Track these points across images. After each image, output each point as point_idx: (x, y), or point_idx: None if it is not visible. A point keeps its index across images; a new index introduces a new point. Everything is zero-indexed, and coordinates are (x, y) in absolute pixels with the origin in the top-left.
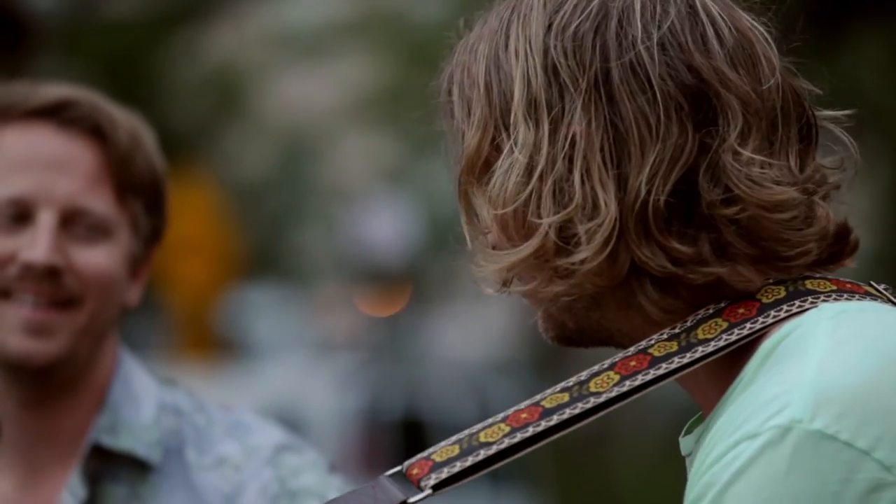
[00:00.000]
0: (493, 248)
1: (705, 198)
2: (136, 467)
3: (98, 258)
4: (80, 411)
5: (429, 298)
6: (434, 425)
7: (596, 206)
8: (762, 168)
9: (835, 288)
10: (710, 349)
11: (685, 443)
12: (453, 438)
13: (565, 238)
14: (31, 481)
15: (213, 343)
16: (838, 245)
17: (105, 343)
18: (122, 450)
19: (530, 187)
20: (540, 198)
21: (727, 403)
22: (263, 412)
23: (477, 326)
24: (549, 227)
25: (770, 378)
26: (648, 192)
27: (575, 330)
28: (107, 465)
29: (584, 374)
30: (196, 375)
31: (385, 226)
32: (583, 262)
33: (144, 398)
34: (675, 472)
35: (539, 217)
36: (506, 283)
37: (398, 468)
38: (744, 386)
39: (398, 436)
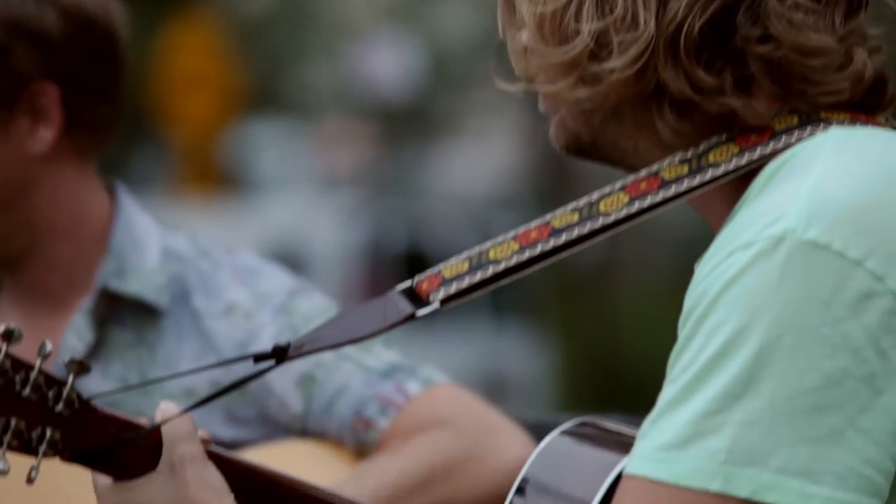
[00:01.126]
0: (525, 48)
1: (741, 33)
2: (143, 312)
3: None
4: (83, 254)
5: (432, 134)
6: (436, 260)
7: (635, 20)
8: (805, 14)
9: (849, 118)
10: (720, 172)
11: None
12: (463, 255)
13: (599, 46)
14: (39, 324)
15: (216, 178)
16: (873, 94)
17: (82, 188)
18: (131, 294)
19: None
20: (582, 3)
21: (731, 220)
22: (266, 247)
23: (480, 161)
24: (587, 33)
25: (771, 193)
26: (685, 17)
27: (589, 142)
28: (113, 310)
29: (594, 195)
30: (199, 211)
31: (389, 61)
32: (612, 71)
33: (148, 242)
34: (677, 307)
35: (577, 21)
36: (530, 82)
37: (408, 282)
38: (747, 203)
39: (401, 270)
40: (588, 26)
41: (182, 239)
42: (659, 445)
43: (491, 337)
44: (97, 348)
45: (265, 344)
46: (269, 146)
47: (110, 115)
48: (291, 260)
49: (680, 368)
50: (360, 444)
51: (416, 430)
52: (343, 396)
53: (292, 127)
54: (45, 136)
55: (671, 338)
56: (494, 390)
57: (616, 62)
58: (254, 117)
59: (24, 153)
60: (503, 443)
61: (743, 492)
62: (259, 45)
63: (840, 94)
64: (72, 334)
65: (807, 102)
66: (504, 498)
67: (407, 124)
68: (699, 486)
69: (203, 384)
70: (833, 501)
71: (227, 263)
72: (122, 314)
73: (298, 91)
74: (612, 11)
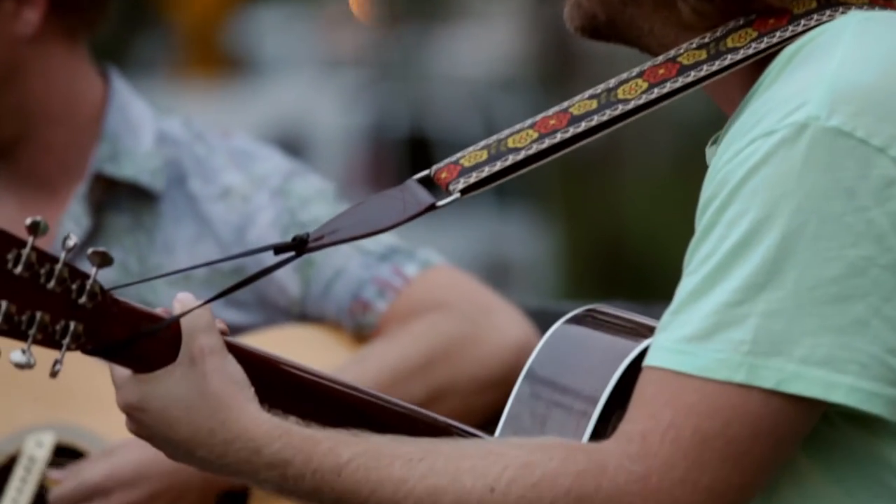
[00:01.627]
0: None
1: None
2: (139, 197)
3: None
4: (77, 140)
5: (436, 16)
6: (439, 143)
7: None
8: None
9: (867, 1)
10: (738, 57)
11: (710, 152)
12: (481, 144)
13: None
14: (34, 212)
15: (220, 61)
16: None
17: (74, 71)
18: (125, 178)
19: None
20: None
21: (747, 105)
22: (268, 131)
23: (483, 44)
24: None
25: (791, 78)
26: None
27: (605, 22)
28: (109, 195)
29: (612, 82)
30: (201, 95)
31: None
32: None
33: (142, 126)
34: (681, 190)
35: None
36: None
37: (426, 172)
38: (765, 87)
39: (403, 153)
40: None
41: (176, 123)
42: (681, 337)
43: (494, 222)
44: (94, 234)
45: (262, 227)
46: (272, 29)
47: None
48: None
49: (700, 259)
50: (358, 327)
51: (414, 314)
52: (341, 280)
53: (295, 9)
54: (31, 17)
55: (674, 221)
56: (497, 275)
57: None
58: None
59: (10, 36)
60: (500, 323)
61: (767, 383)
62: None
63: None
64: (69, 221)
65: None
66: (503, 378)
67: (410, 6)
68: (723, 378)
69: (199, 271)
70: (856, 391)
71: (221, 147)
72: (119, 199)
73: None
74: None
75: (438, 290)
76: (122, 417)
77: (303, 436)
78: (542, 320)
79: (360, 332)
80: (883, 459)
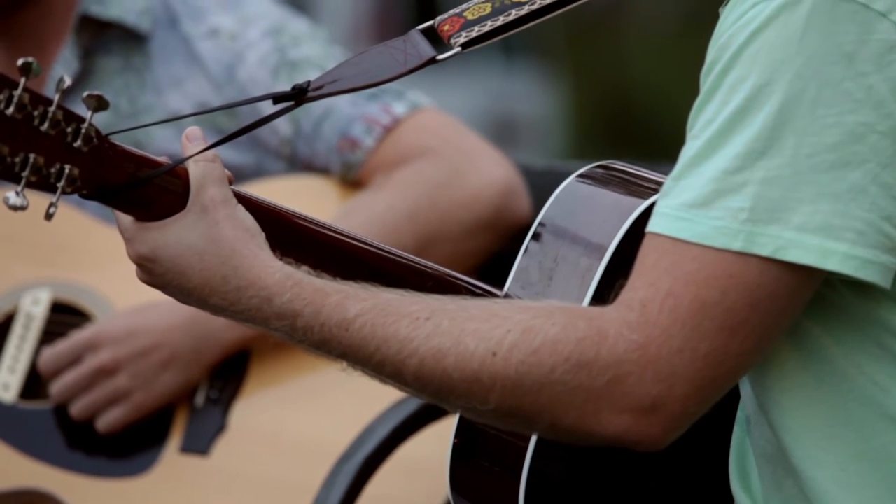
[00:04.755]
0: None
1: None
2: (128, 39)
3: None
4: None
5: None
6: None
7: None
8: None
9: None
10: None
11: (722, 12)
12: None
13: None
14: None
15: None
16: None
17: None
18: (111, 18)
19: None
20: None
21: None
22: None
23: None
24: None
25: None
26: None
27: None
28: (98, 38)
29: None
30: None
31: None
32: None
33: None
34: (688, 46)
35: None
36: None
37: (430, 23)
38: None
39: (409, 9)
40: None
41: None
42: (681, 203)
43: (500, 79)
44: (84, 77)
45: (252, 65)
46: None
47: None
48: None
49: (702, 123)
50: (346, 165)
51: (401, 159)
52: (330, 118)
53: None
54: None
55: (682, 76)
56: (504, 133)
57: None
58: None
59: None
60: (484, 166)
61: (765, 250)
62: None
63: None
64: (59, 67)
65: None
66: (491, 221)
67: None
68: (721, 246)
69: (188, 106)
70: (851, 258)
71: None
72: (108, 42)
73: None
74: None
75: (425, 133)
76: (119, 273)
77: (314, 287)
78: (549, 179)
79: (348, 173)
80: (882, 323)
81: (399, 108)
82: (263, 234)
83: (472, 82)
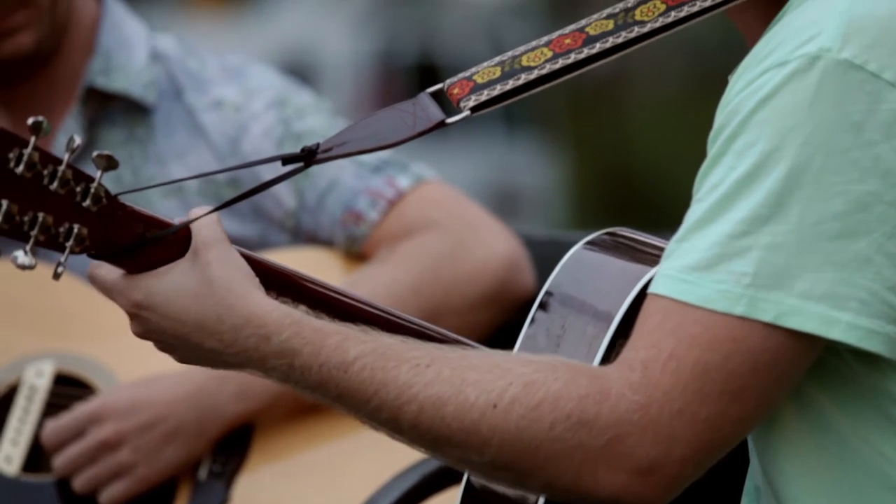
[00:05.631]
0: None
1: None
2: (133, 111)
3: None
4: (72, 58)
5: None
6: (448, 69)
7: None
8: None
9: None
10: None
11: (731, 81)
12: (496, 60)
13: None
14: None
15: None
16: None
17: None
18: (117, 90)
19: None
20: None
21: (766, 33)
22: (277, 57)
23: None
24: None
25: (807, 7)
26: None
27: None
28: (103, 109)
29: (630, 2)
30: (209, 20)
31: None
32: None
33: (136, 43)
34: (690, 117)
35: None
36: None
37: (440, 86)
38: (786, 15)
39: (412, 79)
40: None
41: (170, 40)
42: (685, 266)
43: (503, 150)
44: (89, 148)
45: (256, 137)
46: None
47: None
48: (302, 71)
49: (708, 187)
50: (350, 239)
51: (405, 232)
52: (335, 191)
53: None
54: None
55: (683, 149)
56: (506, 203)
57: None
58: None
59: None
60: (488, 239)
61: (766, 316)
62: None
63: None
64: (63, 136)
65: None
66: (495, 294)
67: None
68: (723, 310)
69: (192, 182)
70: (855, 328)
71: (214, 62)
72: (113, 113)
73: None
74: None
75: (429, 206)
76: (122, 344)
77: (313, 327)
78: (551, 249)
79: (353, 246)
80: (888, 393)
81: (403, 182)
82: (257, 279)
83: (474, 153)
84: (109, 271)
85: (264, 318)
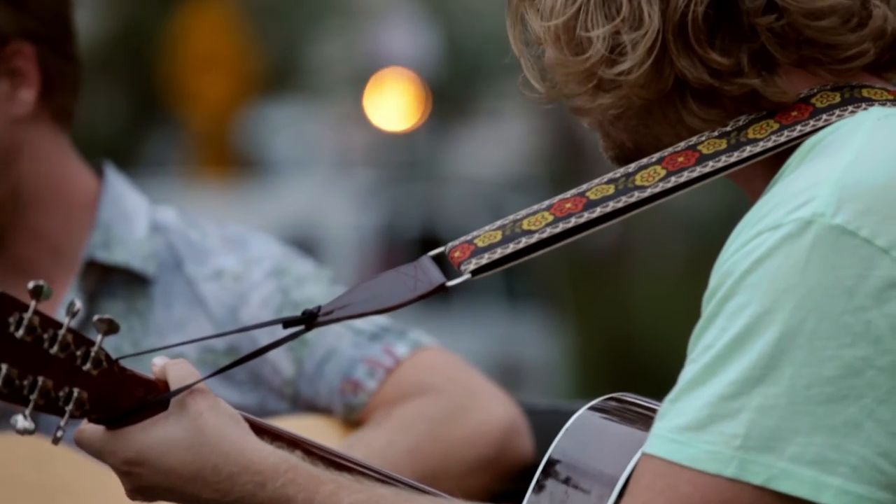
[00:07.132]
0: (548, 66)
1: (744, 6)
2: (133, 283)
3: None
4: (70, 232)
5: (447, 116)
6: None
7: (640, 17)
8: None
9: (892, 98)
10: (758, 149)
11: None
12: (497, 224)
13: (612, 51)
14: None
15: (232, 160)
16: None
17: (62, 156)
18: (117, 263)
19: (579, 1)
20: (588, 11)
21: (762, 197)
22: (281, 230)
23: (495, 144)
24: (599, 38)
25: (803, 172)
26: (688, 3)
27: (633, 149)
28: (103, 282)
29: (631, 167)
30: (214, 193)
31: (405, 43)
32: (629, 72)
33: (136, 216)
34: (691, 291)
35: (587, 30)
36: (553, 99)
37: (441, 249)
38: (781, 179)
39: (416, 254)
40: (598, 32)
41: (170, 212)
42: (676, 426)
43: (505, 322)
44: (88, 321)
45: (255, 306)
46: (283, 128)
47: (78, 75)
48: (306, 243)
49: (701, 348)
50: (348, 407)
51: (402, 397)
52: (333, 359)
53: (307, 108)
54: (27, 97)
55: (685, 322)
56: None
57: (630, 62)
58: (269, 98)
59: (6, 117)
60: (487, 405)
61: (757, 479)
62: (274, 25)
63: (864, 55)
64: (63, 310)
65: (840, 68)
66: (493, 460)
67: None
68: (714, 471)
69: (191, 349)
70: (846, 493)
71: (215, 232)
72: (112, 286)
73: (314, 72)
74: (618, 13)
75: (426, 373)
76: None
77: (308, 474)
78: (553, 418)
79: (350, 414)
80: None
81: (401, 349)
82: (246, 424)
83: (476, 327)
84: (94, 431)
85: (260, 464)
